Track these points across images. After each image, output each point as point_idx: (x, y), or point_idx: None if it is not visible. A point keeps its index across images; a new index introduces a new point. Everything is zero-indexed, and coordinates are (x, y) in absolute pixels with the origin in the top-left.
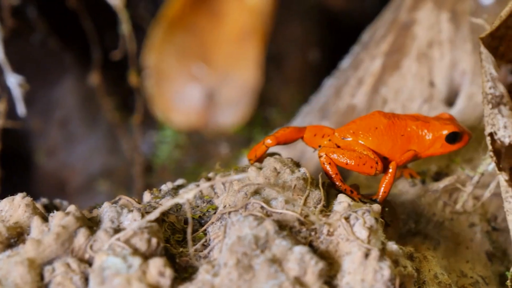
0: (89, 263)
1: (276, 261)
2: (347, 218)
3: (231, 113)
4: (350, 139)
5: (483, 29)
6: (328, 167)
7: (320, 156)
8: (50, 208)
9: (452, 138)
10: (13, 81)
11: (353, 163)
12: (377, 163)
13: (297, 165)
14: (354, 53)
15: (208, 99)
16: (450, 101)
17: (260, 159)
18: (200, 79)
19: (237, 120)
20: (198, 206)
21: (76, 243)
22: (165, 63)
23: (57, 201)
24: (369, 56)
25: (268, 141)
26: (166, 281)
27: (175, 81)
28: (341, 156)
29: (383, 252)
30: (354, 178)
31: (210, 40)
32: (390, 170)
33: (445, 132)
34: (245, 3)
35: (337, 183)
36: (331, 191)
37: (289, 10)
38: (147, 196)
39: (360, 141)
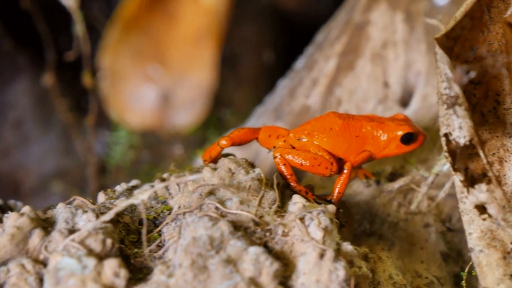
0: (44, 264)
1: (231, 262)
2: (302, 219)
3: (186, 114)
4: (305, 140)
5: (437, 29)
6: (282, 168)
7: (274, 157)
8: (4, 209)
9: (407, 138)
10: None
11: (308, 164)
12: (332, 164)
13: (252, 165)
14: (308, 54)
15: (163, 100)
16: (404, 102)
17: (214, 160)
18: (155, 80)
19: (192, 121)
20: (152, 207)
21: (30, 244)
22: (120, 64)
23: (11, 202)
24: (323, 57)
25: (223, 142)
26: (121, 281)
27: (130, 82)
28: (295, 157)
29: (338, 253)
30: (309, 179)
31: (166, 41)
32: (345, 171)
33: (400, 133)
34: (201, 4)
35: (292, 183)
36: (286, 191)
37: (243, 11)
38: (101, 197)
39: (315, 142)
